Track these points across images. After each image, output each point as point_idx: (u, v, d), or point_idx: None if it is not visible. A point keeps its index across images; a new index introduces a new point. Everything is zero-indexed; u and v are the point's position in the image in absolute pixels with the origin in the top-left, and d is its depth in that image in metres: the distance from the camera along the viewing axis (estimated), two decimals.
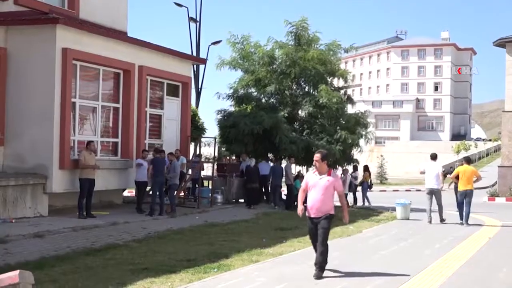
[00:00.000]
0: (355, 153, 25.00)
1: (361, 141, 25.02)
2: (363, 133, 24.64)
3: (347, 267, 9.63)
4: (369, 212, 20.78)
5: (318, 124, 23.53)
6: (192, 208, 18.46)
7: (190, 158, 20.64)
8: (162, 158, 16.68)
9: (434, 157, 17.50)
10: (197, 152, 24.58)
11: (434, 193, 17.08)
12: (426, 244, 12.73)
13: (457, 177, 17.10)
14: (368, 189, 25.85)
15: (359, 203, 24.74)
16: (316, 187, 8.87)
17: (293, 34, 24.45)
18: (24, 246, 10.70)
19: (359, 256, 10.96)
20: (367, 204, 24.60)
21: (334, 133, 23.10)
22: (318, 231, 8.76)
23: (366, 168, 26.07)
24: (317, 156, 8.93)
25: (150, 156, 16.89)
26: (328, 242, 8.92)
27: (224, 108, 24.28)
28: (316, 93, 23.65)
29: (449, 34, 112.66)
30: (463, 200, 16.74)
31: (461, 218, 16.85)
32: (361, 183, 25.35)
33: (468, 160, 17.98)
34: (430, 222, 16.91)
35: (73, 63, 15.26)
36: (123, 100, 17.31)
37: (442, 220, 17.13)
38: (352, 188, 24.52)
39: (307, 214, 8.93)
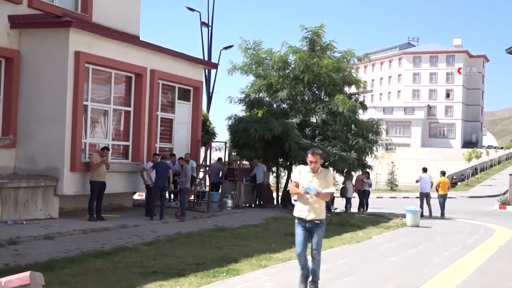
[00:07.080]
0: (371, 160, 25.06)
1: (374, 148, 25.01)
2: (380, 141, 24.87)
3: (355, 274, 9.62)
4: (378, 219, 20.73)
5: (330, 131, 23.51)
6: (202, 212, 18.49)
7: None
8: (165, 163, 16.64)
9: (425, 170, 23.73)
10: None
11: (426, 196, 22.92)
12: (435, 252, 12.69)
13: (438, 185, 23.67)
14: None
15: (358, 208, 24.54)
16: None
17: (307, 39, 24.39)
18: (34, 248, 10.77)
19: (368, 263, 10.92)
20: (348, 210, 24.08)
21: (346, 140, 23.10)
22: None
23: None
24: None
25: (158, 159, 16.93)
26: (337, 248, 8.69)
27: (235, 113, 24.34)
28: (329, 99, 23.62)
29: (462, 41, 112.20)
30: (440, 200, 23.16)
31: (441, 214, 22.68)
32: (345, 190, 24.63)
33: (443, 173, 24.70)
34: (421, 215, 20.68)
35: (85, 66, 15.37)
36: (134, 104, 17.40)
37: (430, 215, 22.32)
38: (366, 195, 24.43)
39: None
